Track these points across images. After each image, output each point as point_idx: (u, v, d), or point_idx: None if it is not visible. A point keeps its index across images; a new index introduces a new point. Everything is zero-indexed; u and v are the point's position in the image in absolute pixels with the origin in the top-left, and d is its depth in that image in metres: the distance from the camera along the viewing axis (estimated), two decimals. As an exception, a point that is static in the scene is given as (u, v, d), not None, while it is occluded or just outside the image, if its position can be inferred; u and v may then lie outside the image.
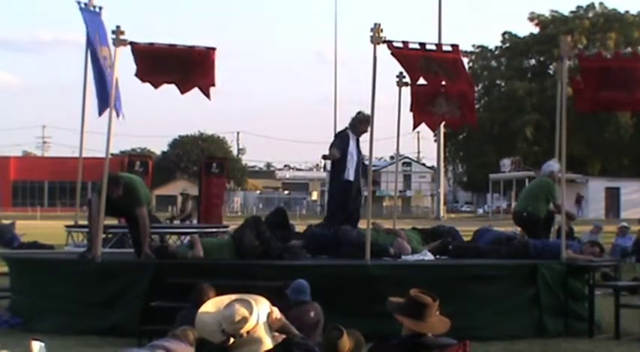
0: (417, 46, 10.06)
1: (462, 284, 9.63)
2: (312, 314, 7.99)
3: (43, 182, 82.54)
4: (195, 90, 10.45)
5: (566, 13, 71.10)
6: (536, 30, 71.28)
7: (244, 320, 5.53)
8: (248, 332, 5.56)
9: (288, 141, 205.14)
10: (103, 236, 11.47)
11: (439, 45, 10.51)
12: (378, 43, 9.92)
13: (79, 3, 12.33)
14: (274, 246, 10.15)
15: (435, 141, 60.34)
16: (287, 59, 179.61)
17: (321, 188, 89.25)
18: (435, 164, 69.98)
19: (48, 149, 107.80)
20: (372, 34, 9.91)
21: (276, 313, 5.82)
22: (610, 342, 9.54)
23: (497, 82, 72.72)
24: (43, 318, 9.99)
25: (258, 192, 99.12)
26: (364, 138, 11.36)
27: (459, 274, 9.88)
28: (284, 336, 5.78)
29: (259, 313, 5.63)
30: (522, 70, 71.18)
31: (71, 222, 15.56)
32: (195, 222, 21.06)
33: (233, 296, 5.82)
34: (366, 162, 11.15)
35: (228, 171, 24.16)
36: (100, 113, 12.08)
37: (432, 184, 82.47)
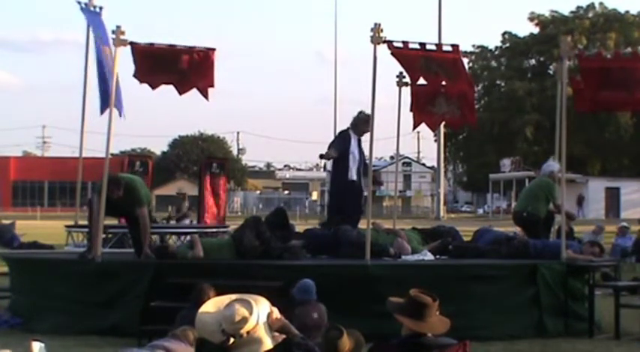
0: (417, 46, 10.07)
1: (462, 284, 9.63)
2: (314, 315, 8.00)
3: (43, 182, 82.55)
4: (195, 91, 10.46)
5: (566, 13, 71.16)
6: (536, 30, 71.29)
7: (244, 320, 5.53)
8: (248, 332, 5.56)
9: (288, 141, 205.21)
10: (103, 236, 11.47)
11: (439, 45, 10.51)
12: (378, 43, 9.92)
13: (79, 3, 12.33)
14: (274, 246, 10.15)
15: (435, 141, 60.34)
16: (287, 59, 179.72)
17: (321, 188, 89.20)
18: (435, 164, 70.00)
19: (48, 149, 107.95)
20: (372, 34, 9.91)
21: (276, 313, 5.83)
22: (610, 342, 9.54)
23: (497, 82, 72.69)
24: (43, 318, 9.99)
25: (258, 192, 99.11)
26: (364, 138, 11.37)
27: (459, 274, 9.88)
28: (284, 336, 5.78)
29: (259, 313, 5.63)
30: (522, 70, 71.17)
31: (71, 222, 15.56)
32: (195, 222, 21.08)
33: (233, 296, 5.82)
34: (368, 162, 11.14)
35: (229, 171, 24.18)
36: (102, 111, 12.07)
37: (432, 184, 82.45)
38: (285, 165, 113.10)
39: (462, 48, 10.43)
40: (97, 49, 12.22)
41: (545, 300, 9.85)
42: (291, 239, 10.81)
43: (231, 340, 5.58)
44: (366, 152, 11.18)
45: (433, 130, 13.99)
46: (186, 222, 20.90)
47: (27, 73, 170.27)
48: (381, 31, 9.90)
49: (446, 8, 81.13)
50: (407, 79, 12.00)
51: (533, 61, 72.23)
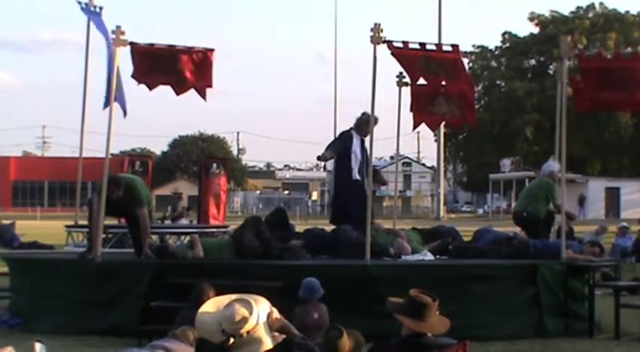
0: (417, 46, 10.06)
1: (462, 284, 9.63)
2: (315, 315, 8.00)
3: (43, 182, 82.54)
4: (193, 91, 10.46)
5: (566, 13, 71.17)
6: (536, 30, 71.30)
7: (244, 320, 5.54)
8: (248, 332, 5.56)
9: (288, 141, 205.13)
10: (103, 236, 11.47)
11: (439, 45, 10.51)
12: (378, 43, 9.92)
13: (79, 3, 12.33)
14: (274, 246, 10.15)
15: (435, 141, 60.35)
16: (287, 59, 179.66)
17: (321, 188, 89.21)
18: (435, 164, 70.02)
19: (48, 149, 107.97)
20: (372, 34, 9.91)
21: (276, 313, 5.83)
22: (610, 342, 9.54)
23: (497, 82, 72.70)
24: (43, 318, 9.99)
25: (258, 192, 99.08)
26: (366, 138, 11.35)
27: (459, 274, 9.88)
28: (284, 336, 5.78)
29: (259, 313, 5.64)
30: (522, 70, 71.18)
31: (71, 222, 15.57)
32: (195, 221, 21.08)
33: (233, 296, 5.82)
34: (373, 162, 11.13)
35: (229, 171, 24.18)
36: (105, 107, 12.02)
37: (432, 184, 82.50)
38: (285, 165, 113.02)
39: (462, 48, 10.42)
40: (109, 47, 12.21)
41: (545, 300, 9.85)
42: (291, 239, 10.81)
43: (231, 340, 5.58)
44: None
45: (433, 130, 13.99)
46: (183, 221, 20.89)
47: (27, 73, 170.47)
48: (381, 31, 9.90)
49: (446, 8, 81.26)
50: (407, 79, 12.00)
51: (533, 61, 72.24)
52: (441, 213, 57.68)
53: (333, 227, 11.36)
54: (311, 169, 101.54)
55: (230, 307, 5.61)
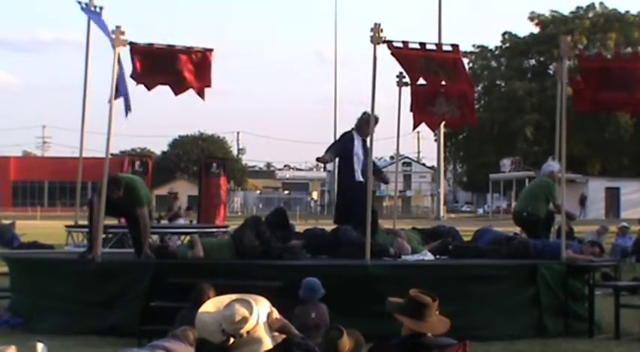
0: (417, 46, 10.06)
1: (462, 284, 9.63)
2: (313, 315, 7.99)
3: (43, 182, 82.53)
4: (192, 91, 10.46)
5: (566, 13, 71.15)
6: (536, 30, 71.30)
7: (244, 320, 5.54)
8: (248, 332, 5.56)
9: (288, 141, 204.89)
10: (103, 236, 11.47)
11: (439, 45, 10.51)
12: (378, 43, 9.91)
13: (79, 3, 12.33)
14: (274, 246, 10.15)
15: (435, 141, 60.37)
16: (287, 59, 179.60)
17: (321, 188, 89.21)
18: (435, 164, 70.05)
19: (48, 149, 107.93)
20: (372, 34, 9.91)
21: (276, 313, 5.83)
22: (610, 342, 9.54)
23: (497, 82, 72.71)
24: (43, 318, 9.99)
25: (258, 192, 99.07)
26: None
27: (459, 274, 9.88)
28: (284, 336, 5.78)
29: (259, 313, 5.64)
30: (522, 70, 71.18)
31: (71, 222, 15.56)
32: (194, 221, 21.06)
33: (233, 296, 5.82)
34: (376, 162, 11.13)
35: (229, 171, 24.20)
36: (126, 114, 12.03)
37: (432, 184, 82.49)
38: (285, 165, 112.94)
39: (462, 48, 10.42)
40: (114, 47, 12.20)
41: (545, 300, 9.85)
42: (291, 239, 10.81)
43: (231, 340, 5.58)
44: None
45: (433, 130, 13.98)
46: (181, 221, 20.85)
47: (27, 73, 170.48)
48: (381, 31, 9.90)
49: (446, 8, 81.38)
50: (407, 79, 12.00)
51: (533, 61, 72.23)
52: (441, 213, 57.70)
53: (333, 227, 11.36)
54: (311, 169, 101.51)
55: (230, 307, 5.61)
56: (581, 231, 19.93)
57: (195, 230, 16.61)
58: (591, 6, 70.35)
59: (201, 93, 10.45)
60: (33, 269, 10.73)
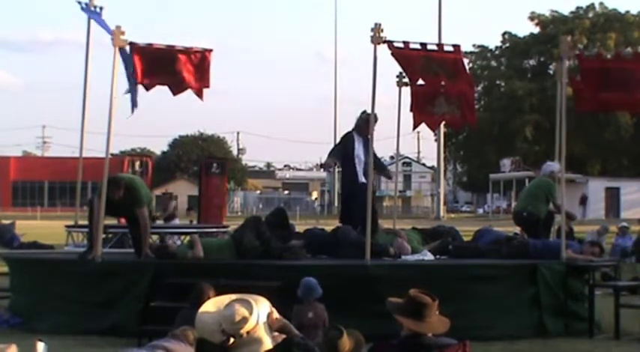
0: (418, 47, 10.06)
1: (462, 284, 9.63)
2: (310, 314, 7.99)
3: (43, 182, 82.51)
4: (191, 91, 10.46)
5: (566, 13, 71.13)
6: (536, 30, 71.31)
7: (244, 320, 5.53)
8: (248, 332, 5.56)
9: (288, 141, 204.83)
10: (103, 236, 11.47)
11: (440, 45, 10.51)
12: (379, 43, 9.91)
13: (79, 3, 12.33)
14: (274, 246, 10.15)
15: (435, 141, 60.33)
16: (287, 59, 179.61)
17: (321, 188, 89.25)
18: (435, 164, 70.01)
19: (48, 149, 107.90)
20: (372, 34, 9.91)
21: (276, 313, 5.83)
22: (610, 342, 9.54)
23: (497, 82, 72.68)
24: (43, 318, 9.99)
25: (258, 192, 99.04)
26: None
27: (459, 274, 9.88)
28: (284, 336, 5.78)
29: (259, 313, 5.64)
30: (522, 70, 71.18)
31: (71, 222, 15.56)
32: (195, 221, 21.07)
33: (233, 296, 5.82)
34: (380, 160, 11.12)
35: (229, 171, 24.20)
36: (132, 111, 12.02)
37: (432, 184, 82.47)
38: (285, 165, 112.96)
39: (462, 48, 10.42)
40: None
41: (545, 300, 9.85)
42: (291, 239, 10.81)
43: (231, 340, 5.59)
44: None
45: (433, 130, 13.97)
46: (176, 221, 20.84)
47: (27, 73, 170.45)
48: (381, 31, 9.90)
49: (446, 8, 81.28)
50: (407, 79, 12.00)
51: (533, 61, 72.21)
52: (441, 213, 57.68)
53: (333, 227, 11.37)
54: (311, 169, 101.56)
55: (230, 307, 5.61)
56: (581, 231, 19.92)
57: (195, 230, 16.61)
58: (591, 6, 70.34)
59: (199, 94, 10.46)
60: (33, 269, 10.73)
